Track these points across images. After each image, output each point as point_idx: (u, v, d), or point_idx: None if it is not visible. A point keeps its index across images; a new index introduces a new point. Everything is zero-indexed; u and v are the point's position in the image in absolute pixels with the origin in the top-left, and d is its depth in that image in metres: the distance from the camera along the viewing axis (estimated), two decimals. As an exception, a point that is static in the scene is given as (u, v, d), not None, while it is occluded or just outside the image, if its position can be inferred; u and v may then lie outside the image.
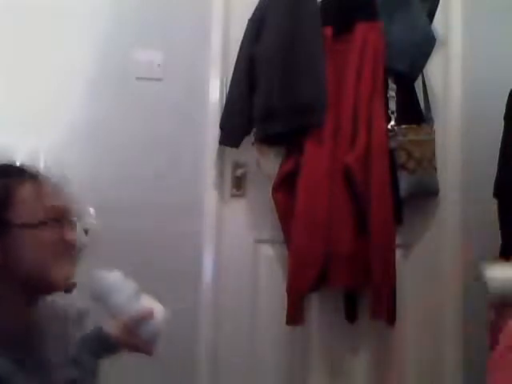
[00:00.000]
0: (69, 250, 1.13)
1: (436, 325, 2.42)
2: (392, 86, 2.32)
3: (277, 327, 2.35)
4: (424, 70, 2.38)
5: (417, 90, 2.37)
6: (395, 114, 2.31)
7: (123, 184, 2.35)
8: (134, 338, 1.24)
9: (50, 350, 1.16)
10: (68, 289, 1.16)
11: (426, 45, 2.33)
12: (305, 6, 2.24)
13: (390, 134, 2.28)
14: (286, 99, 2.20)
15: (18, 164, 1.24)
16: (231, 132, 2.34)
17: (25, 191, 1.12)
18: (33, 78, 2.30)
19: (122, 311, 1.23)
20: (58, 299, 1.23)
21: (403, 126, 2.30)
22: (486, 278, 1.31)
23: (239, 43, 2.32)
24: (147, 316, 1.24)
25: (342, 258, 2.21)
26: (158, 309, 1.28)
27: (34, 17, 2.33)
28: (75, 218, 1.19)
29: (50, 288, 1.13)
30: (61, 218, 1.14)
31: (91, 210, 2.25)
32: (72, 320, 1.27)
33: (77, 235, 1.17)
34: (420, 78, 2.38)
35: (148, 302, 1.29)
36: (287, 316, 2.26)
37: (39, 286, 1.11)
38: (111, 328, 1.26)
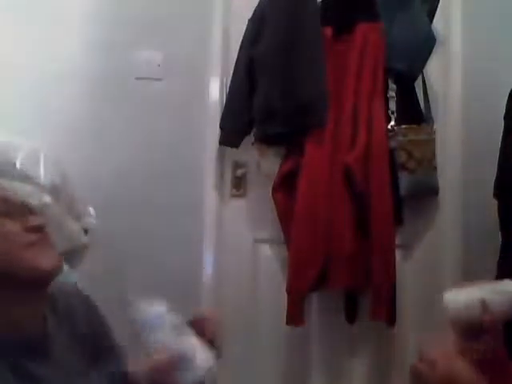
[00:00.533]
0: (37, 236, 1.07)
1: (436, 325, 2.41)
2: (392, 86, 2.32)
3: (277, 327, 2.35)
4: (424, 70, 2.38)
5: (417, 90, 2.38)
6: (395, 114, 2.31)
7: (123, 184, 2.35)
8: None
9: (66, 356, 1.09)
10: (54, 273, 1.08)
11: (426, 45, 2.33)
12: (305, 7, 2.24)
13: (390, 134, 2.28)
14: (286, 99, 2.19)
15: None
16: (231, 132, 2.34)
17: None
18: (33, 78, 2.31)
19: (160, 350, 1.09)
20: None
21: (403, 126, 2.30)
22: (446, 301, 1.28)
23: (239, 43, 2.32)
24: (187, 360, 1.09)
25: (342, 258, 2.21)
26: (203, 354, 1.12)
27: (34, 17, 2.33)
28: (28, 201, 1.13)
29: (32, 279, 1.05)
30: (13, 209, 1.08)
31: (91, 210, 2.26)
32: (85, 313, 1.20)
33: (39, 217, 1.10)
34: (420, 77, 2.38)
35: (194, 343, 1.14)
36: (287, 316, 2.26)
37: (19, 280, 1.04)
38: (141, 372, 1.13)
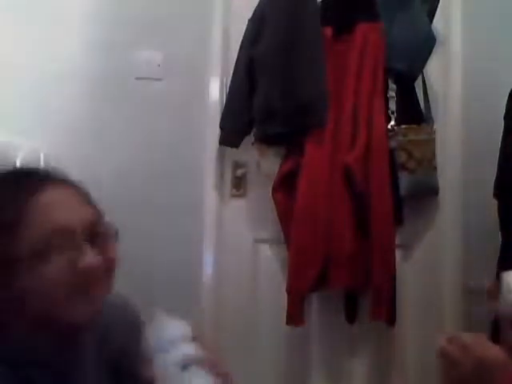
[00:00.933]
0: (85, 281, 0.87)
1: (436, 325, 2.41)
2: (392, 86, 2.32)
3: (277, 327, 2.35)
4: (424, 70, 2.38)
5: (417, 90, 2.38)
6: (395, 114, 2.31)
7: (123, 184, 2.34)
8: None
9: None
10: (85, 328, 0.91)
11: (426, 45, 2.33)
12: (305, 7, 2.24)
13: (390, 134, 2.28)
14: (286, 99, 2.19)
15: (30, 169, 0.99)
16: (231, 132, 2.34)
17: (34, 210, 0.86)
18: (33, 78, 2.30)
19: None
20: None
21: (403, 126, 2.30)
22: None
23: (239, 43, 2.32)
24: None
25: (342, 258, 2.21)
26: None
27: (34, 17, 2.33)
28: (104, 233, 0.93)
29: (64, 331, 0.88)
30: (67, 239, 0.87)
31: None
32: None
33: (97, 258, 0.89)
34: (420, 77, 2.38)
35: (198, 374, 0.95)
36: (287, 316, 2.26)
37: (50, 329, 0.87)
38: None
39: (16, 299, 0.85)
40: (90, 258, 0.87)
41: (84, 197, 0.97)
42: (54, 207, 0.89)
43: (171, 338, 0.98)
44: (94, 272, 0.87)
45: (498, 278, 1.21)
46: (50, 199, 0.89)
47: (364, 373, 2.43)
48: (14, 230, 0.85)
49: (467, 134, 2.42)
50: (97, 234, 0.92)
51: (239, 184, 2.44)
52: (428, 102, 2.39)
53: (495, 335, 1.96)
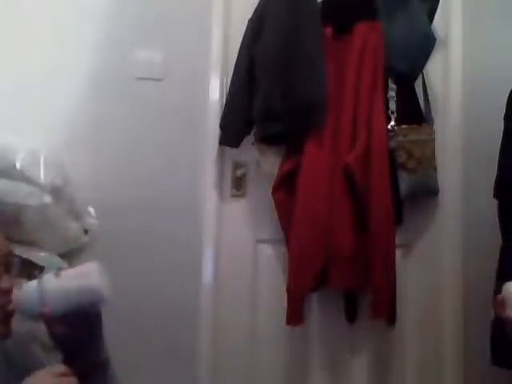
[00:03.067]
0: (1, 300, 1.06)
1: (436, 325, 2.42)
2: (392, 86, 2.32)
3: (277, 327, 2.35)
4: (424, 70, 2.38)
5: (417, 90, 2.38)
6: (395, 114, 2.31)
7: (123, 184, 2.35)
8: None
9: None
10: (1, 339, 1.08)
11: (426, 45, 2.33)
12: (305, 6, 2.24)
13: (390, 134, 2.28)
14: (286, 99, 2.19)
15: None
16: (231, 132, 2.34)
17: None
18: (33, 78, 2.30)
19: None
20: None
21: (403, 126, 2.30)
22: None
23: (239, 43, 2.32)
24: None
25: (342, 258, 2.21)
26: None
27: (34, 16, 2.33)
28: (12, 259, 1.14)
29: None
30: None
31: (91, 210, 2.27)
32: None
33: (10, 282, 1.09)
34: (420, 77, 2.38)
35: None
36: (287, 316, 2.26)
37: None
38: None
39: None
40: (7, 281, 1.07)
41: (3, 231, 1.14)
42: None
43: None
44: (9, 293, 1.06)
45: (501, 289, 1.23)
46: None
47: (364, 372, 2.43)
48: None
49: (467, 134, 2.43)
50: (9, 263, 1.11)
51: (239, 184, 2.44)
52: (428, 101, 2.39)
53: (495, 336, 1.96)
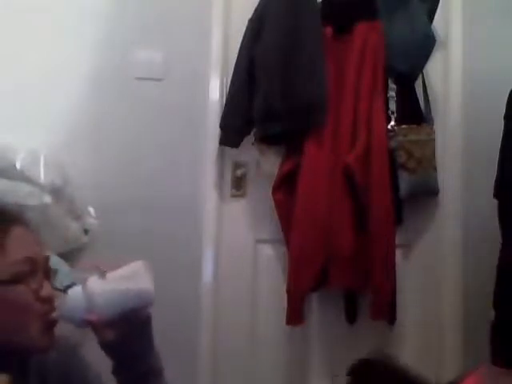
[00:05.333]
0: (43, 309, 0.99)
1: (436, 325, 2.42)
2: (392, 86, 2.32)
3: (277, 327, 2.35)
4: (424, 70, 2.39)
5: (417, 90, 2.38)
6: (395, 114, 2.31)
7: (123, 184, 2.35)
8: None
9: None
10: (44, 351, 1.02)
11: (425, 45, 2.33)
12: (305, 6, 2.24)
13: (390, 134, 2.28)
14: (286, 99, 2.19)
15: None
16: (231, 132, 2.34)
17: None
18: (33, 78, 2.30)
19: None
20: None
21: (403, 126, 2.30)
22: None
23: (239, 43, 2.32)
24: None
25: (342, 258, 2.21)
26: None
27: (34, 16, 2.33)
28: (52, 268, 1.06)
29: (25, 353, 1.00)
30: (33, 270, 1.00)
31: (91, 210, 2.27)
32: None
33: (52, 290, 1.02)
34: (420, 77, 2.38)
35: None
36: (287, 316, 2.26)
37: (12, 350, 0.99)
38: None
39: None
40: (49, 289, 1.01)
41: (36, 234, 1.09)
42: (25, 241, 1.02)
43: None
44: (51, 301, 1.00)
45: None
46: (21, 234, 1.02)
47: (364, 373, 2.42)
48: None
49: (467, 134, 2.43)
50: (49, 268, 1.05)
51: (239, 184, 2.44)
52: (428, 102, 2.39)
53: (495, 337, 1.97)
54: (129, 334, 1.06)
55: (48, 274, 1.03)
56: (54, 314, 1.01)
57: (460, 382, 1.03)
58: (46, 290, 1.00)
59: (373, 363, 1.07)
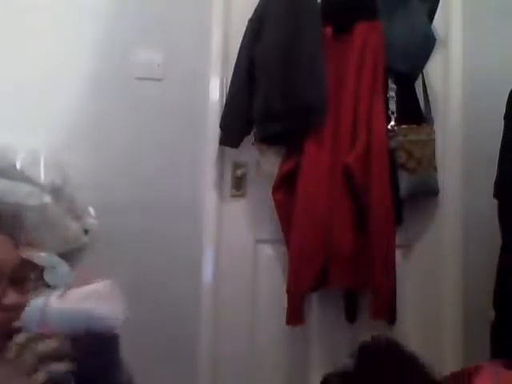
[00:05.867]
0: (4, 317, 0.99)
1: (436, 325, 2.42)
2: (392, 86, 2.32)
3: (277, 327, 2.35)
4: (424, 70, 2.39)
5: (417, 90, 2.38)
6: (395, 114, 2.31)
7: (123, 184, 2.35)
8: None
9: None
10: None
11: (426, 45, 2.33)
12: (305, 6, 2.24)
13: (390, 134, 2.28)
14: (286, 99, 2.19)
15: None
16: (231, 132, 2.34)
17: None
18: (33, 78, 2.30)
19: None
20: None
21: (403, 126, 2.30)
22: None
23: (239, 43, 2.32)
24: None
25: (342, 258, 2.21)
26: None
27: (34, 16, 2.33)
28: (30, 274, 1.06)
29: None
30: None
31: (91, 210, 2.27)
32: None
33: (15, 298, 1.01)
34: (420, 77, 2.38)
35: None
36: (287, 316, 2.26)
37: None
38: None
39: None
40: (13, 296, 1.00)
41: (14, 242, 1.08)
42: None
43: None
44: (16, 309, 0.98)
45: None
46: None
47: (364, 373, 2.43)
48: None
49: (467, 134, 2.43)
50: (20, 276, 1.04)
51: (239, 184, 2.44)
52: (428, 102, 2.39)
53: (495, 337, 1.97)
54: (88, 353, 1.03)
55: (17, 281, 1.03)
56: (16, 323, 1.00)
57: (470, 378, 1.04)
58: (9, 299, 1.00)
59: (379, 342, 1.09)
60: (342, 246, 2.21)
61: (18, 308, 0.99)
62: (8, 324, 0.97)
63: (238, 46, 2.32)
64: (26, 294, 1.04)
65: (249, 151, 2.37)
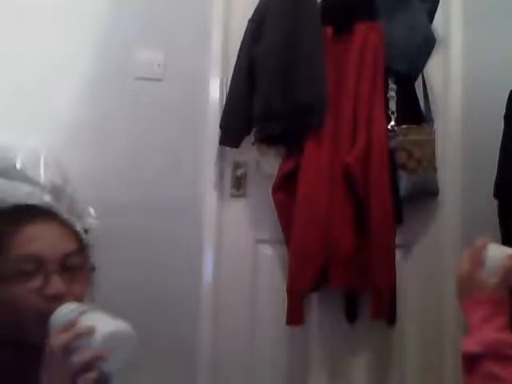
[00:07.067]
0: (50, 307, 0.96)
1: (436, 325, 2.42)
2: (392, 86, 2.32)
3: (277, 327, 2.35)
4: (424, 70, 2.39)
5: (417, 90, 2.38)
6: (395, 114, 2.31)
7: (123, 184, 2.35)
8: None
9: None
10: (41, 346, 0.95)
11: (426, 45, 2.33)
12: (305, 6, 2.24)
13: (390, 134, 2.28)
14: (286, 99, 2.19)
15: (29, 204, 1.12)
16: (231, 132, 2.34)
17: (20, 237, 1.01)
18: (32, 78, 2.30)
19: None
20: None
21: (403, 126, 2.30)
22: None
23: (239, 43, 2.32)
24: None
25: (342, 258, 2.21)
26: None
27: (34, 16, 2.33)
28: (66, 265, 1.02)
29: (29, 350, 0.97)
30: (39, 267, 0.99)
31: (91, 210, 2.26)
32: None
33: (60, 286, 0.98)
34: (420, 77, 2.38)
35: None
36: (287, 316, 2.26)
37: (19, 347, 0.98)
38: None
39: None
40: (56, 286, 0.98)
41: (68, 231, 1.10)
42: (34, 238, 1.02)
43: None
44: (59, 300, 0.97)
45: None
46: (33, 231, 1.03)
47: (364, 372, 2.43)
48: (1, 252, 1.00)
49: (467, 134, 2.43)
50: (69, 265, 1.03)
51: (239, 184, 2.44)
52: (428, 102, 2.39)
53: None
54: None
55: (67, 270, 1.02)
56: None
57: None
58: (52, 288, 0.98)
59: None
60: (342, 245, 2.21)
61: (61, 298, 0.97)
62: (50, 314, 0.95)
63: (238, 46, 2.32)
64: (75, 284, 1.02)
65: (249, 151, 2.37)
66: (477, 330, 1.10)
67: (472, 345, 1.09)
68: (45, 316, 0.94)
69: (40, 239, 1.03)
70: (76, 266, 1.04)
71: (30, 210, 1.09)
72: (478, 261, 1.15)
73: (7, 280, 0.98)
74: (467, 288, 1.15)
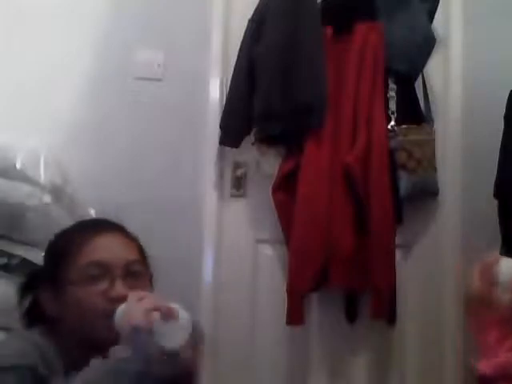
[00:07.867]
0: (112, 308, 1.06)
1: (436, 325, 2.42)
2: (392, 86, 2.32)
3: (277, 327, 2.35)
4: (424, 70, 2.39)
5: (417, 90, 2.38)
6: (395, 114, 2.31)
7: (123, 184, 2.34)
8: None
9: None
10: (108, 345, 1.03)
11: (426, 45, 2.33)
12: (305, 6, 2.25)
13: (390, 134, 2.28)
14: (286, 99, 2.20)
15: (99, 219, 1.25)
16: (231, 132, 2.34)
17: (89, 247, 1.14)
18: (32, 78, 2.30)
19: None
20: None
21: (403, 126, 2.30)
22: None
23: (239, 43, 2.32)
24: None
25: (342, 258, 2.21)
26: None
27: (34, 16, 2.33)
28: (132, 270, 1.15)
29: (97, 346, 1.04)
30: (105, 273, 1.12)
31: (91, 211, 2.26)
32: None
33: (125, 286, 1.11)
34: (420, 77, 2.38)
35: None
36: (287, 316, 2.26)
37: (88, 344, 1.08)
38: None
39: (60, 312, 1.12)
40: (120, 289, 1.10)
41: (131, 242, 1.24)
42: (101, 247, 1.16)
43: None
44: (122, 301, 1.06)
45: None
46: (101, 242, 1.17)
47: (364, 372, 2.43)
48: (72, 259, 1.13)
49: (467, 134, 2.42)
50: (132, 272, 1.16)
51: (239, 184, 2.44)
52: (428, 102, 2.39)
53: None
54: None
55: (130, 275, 1.14)
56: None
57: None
58: (115, 291, 1.09)
59: None
60: (342, 245, 2.21)
61: (124, 300, 1.06)
62: (113, 313, 1.04)
63: (238, 46, 2.32)
64: (136, 289, 1.12)
65: (249, 151, 2.37)
66: (491, 351, 1.09)
67: (487, 368, 1.08)
68: (109, 315, 1.04)
69: (106, 248, 1.16)
70: (138, 273, 1.18)
71: (97, 224, 1.25)
72: (489, 277, 1.12)
73: (77, 284, 1.10)
74: (479, 306, 1.13)
